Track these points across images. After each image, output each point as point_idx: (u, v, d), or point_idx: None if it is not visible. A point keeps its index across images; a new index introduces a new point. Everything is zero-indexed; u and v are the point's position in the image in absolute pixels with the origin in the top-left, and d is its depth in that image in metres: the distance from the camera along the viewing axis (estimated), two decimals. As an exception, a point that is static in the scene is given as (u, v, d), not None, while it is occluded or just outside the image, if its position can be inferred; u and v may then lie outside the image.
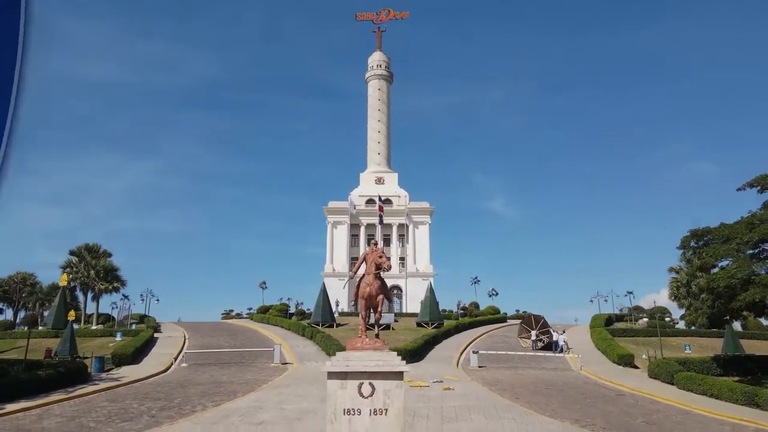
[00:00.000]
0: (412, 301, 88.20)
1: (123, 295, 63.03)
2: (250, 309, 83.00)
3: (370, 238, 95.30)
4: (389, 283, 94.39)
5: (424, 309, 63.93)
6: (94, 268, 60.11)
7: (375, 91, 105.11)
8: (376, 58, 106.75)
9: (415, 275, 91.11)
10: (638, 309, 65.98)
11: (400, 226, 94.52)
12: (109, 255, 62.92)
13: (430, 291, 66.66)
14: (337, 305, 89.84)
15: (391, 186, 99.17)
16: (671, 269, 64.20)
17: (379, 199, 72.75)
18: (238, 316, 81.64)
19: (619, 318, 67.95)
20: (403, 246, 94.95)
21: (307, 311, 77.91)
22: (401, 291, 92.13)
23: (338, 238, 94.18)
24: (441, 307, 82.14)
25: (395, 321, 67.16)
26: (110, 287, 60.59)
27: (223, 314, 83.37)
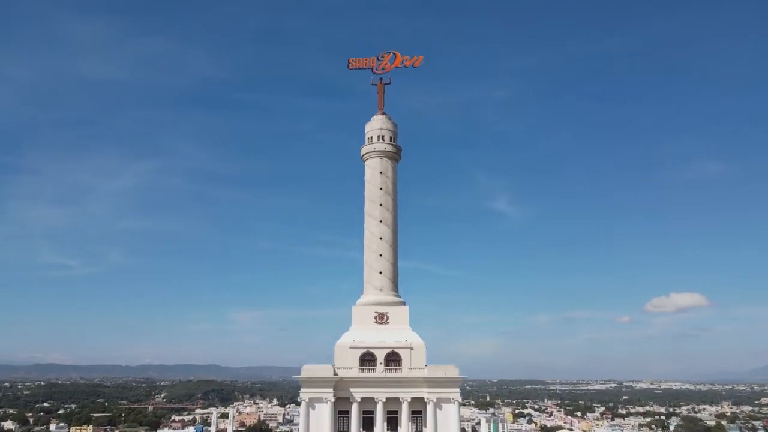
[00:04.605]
0: None
1: None
2: None
3: (367, 421, 57.24)
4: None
5: None
6: None
7: (375, 176, 65.92)
8: (376, 126, 67.15)
9: (438, 491, 53.11)
10: None
11: (415, 400, 56.38)
12: None
13: None
14: None
15: (399, 328, 60.48)
16: None
17: None
18: None
19: None
20: (417, 430, 56.86)
21: None
22: None
23: (318, 423, 55.80)
24: None
25: None
26: None
27: None
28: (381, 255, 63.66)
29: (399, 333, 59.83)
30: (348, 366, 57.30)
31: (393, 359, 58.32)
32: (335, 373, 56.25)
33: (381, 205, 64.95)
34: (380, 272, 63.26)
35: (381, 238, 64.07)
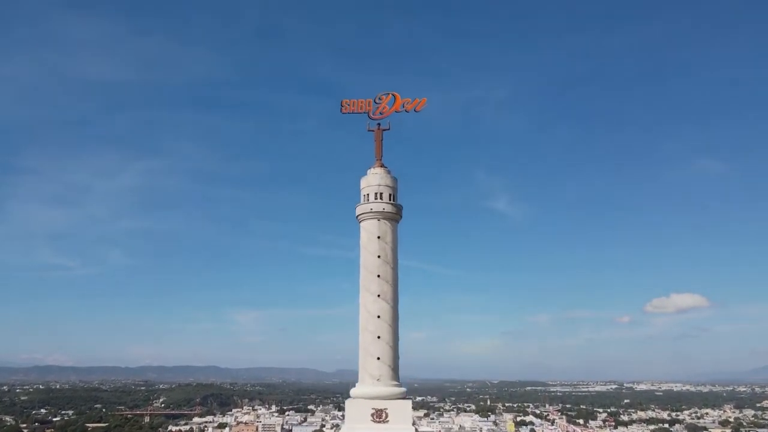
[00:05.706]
0: None
1: None
2: None
3: None
4: None
5: None
6: None
7: (372, 240, 55.42)
8: (374, 182, 56.36)
9: None
10: None
11: None
12: None
13: None
14: None
15: (400, 428, 50.42)
16: None
17: None
18: None
19: None
20: None
21: None
22: None
23: None
24: None
25: None
26: None
27: None
28: (379, 337, 53.35)
29: (400, 436, 49.81)
30: (340, 481, 47.35)
31: (394, 469, 48.39)
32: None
33: (379, 276, 54.49)
34: (378, 358, 52.99)
35: (379, 317, 53.73)
